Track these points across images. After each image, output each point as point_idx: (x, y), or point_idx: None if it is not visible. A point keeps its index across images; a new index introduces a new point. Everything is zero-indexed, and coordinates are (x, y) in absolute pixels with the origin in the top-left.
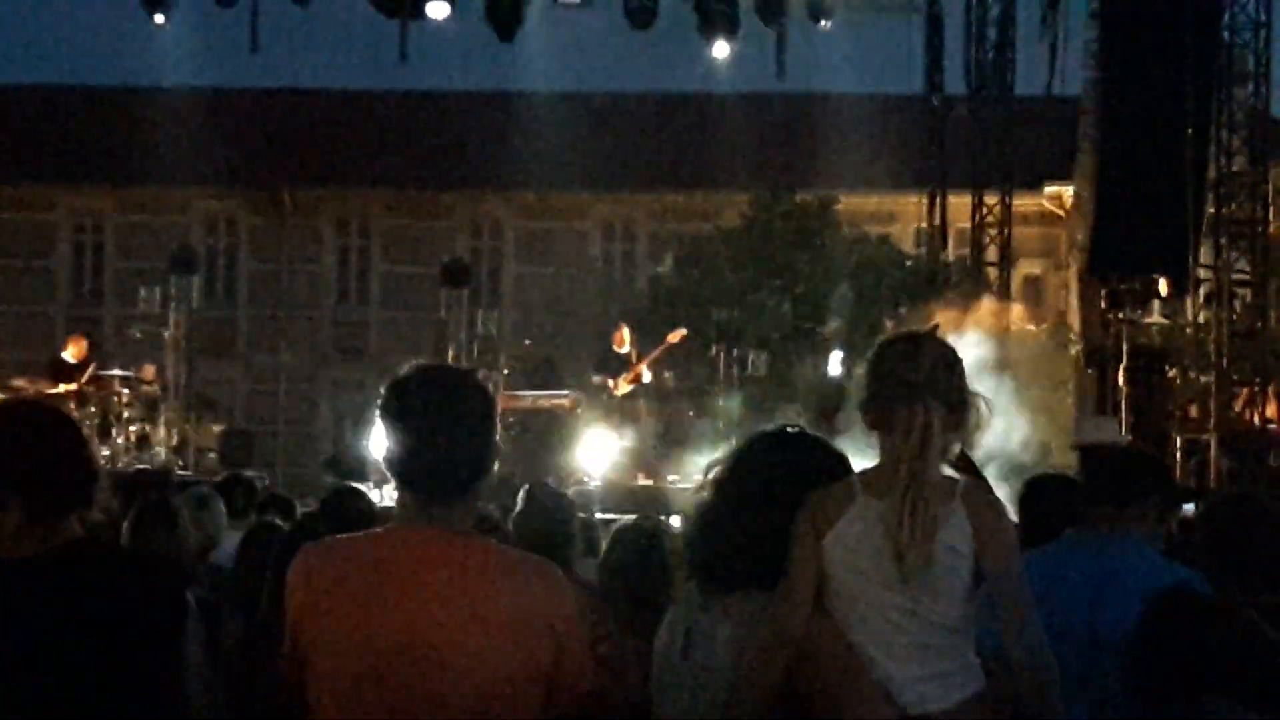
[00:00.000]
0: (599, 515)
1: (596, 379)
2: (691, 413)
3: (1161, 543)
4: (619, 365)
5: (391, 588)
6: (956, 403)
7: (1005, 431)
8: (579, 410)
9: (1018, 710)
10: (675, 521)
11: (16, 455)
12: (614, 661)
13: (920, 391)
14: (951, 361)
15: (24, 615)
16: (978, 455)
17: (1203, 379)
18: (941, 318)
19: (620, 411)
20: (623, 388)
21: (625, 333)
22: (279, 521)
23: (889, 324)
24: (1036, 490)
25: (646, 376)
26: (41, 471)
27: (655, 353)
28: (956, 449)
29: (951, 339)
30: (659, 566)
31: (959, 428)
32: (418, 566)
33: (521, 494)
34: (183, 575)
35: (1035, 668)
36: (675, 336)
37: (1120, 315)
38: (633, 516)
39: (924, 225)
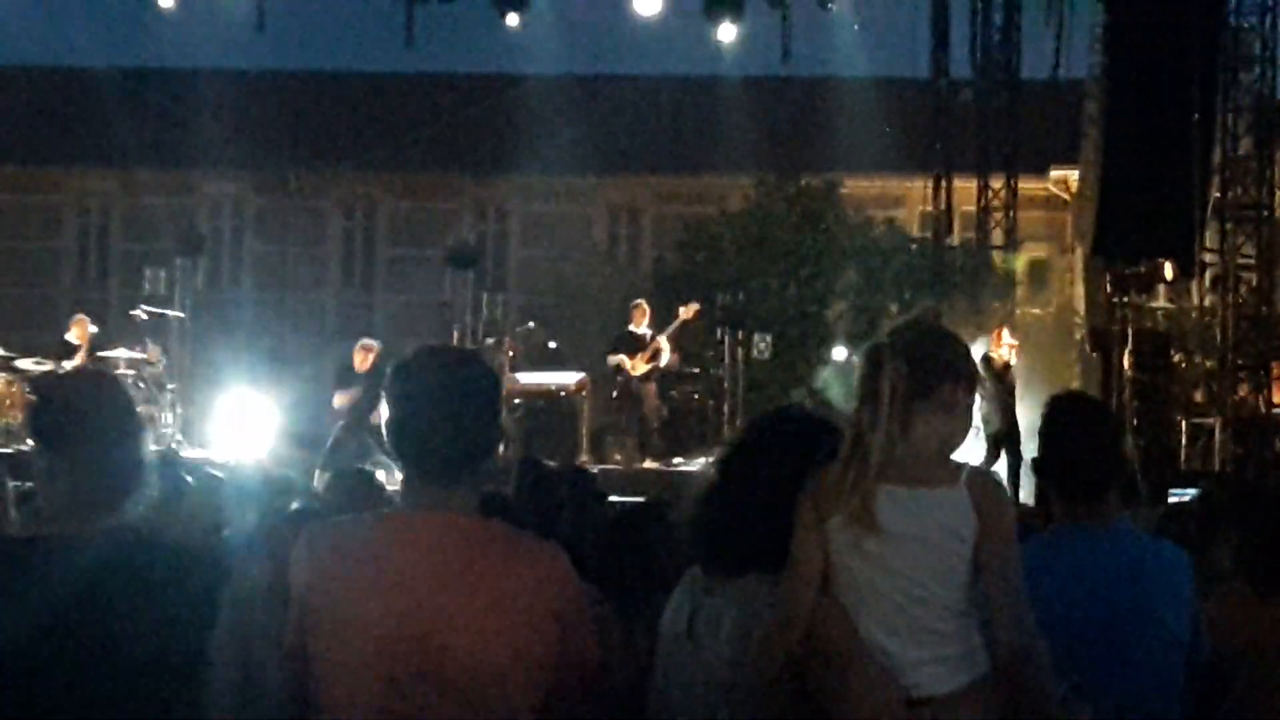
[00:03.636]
0: (607, 498)
1: (613, 360)
2: (696, 396)
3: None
4: (635, 345)
5: (394, 570)
6: (977, 387)
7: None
8: (585, 393)
9: (1015, 694)
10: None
11: (79, 425)
12: (616, 643)
13: (962, 375)
14: (967, 346)
15: (51, 596)
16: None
17: (1208, 363)
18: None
19: (634, 393)
20: (640, 367)
21: (645, 309)
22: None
23: (893, 308)
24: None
25: (665, 356)
26: (104, 447)
27: (670, 329)
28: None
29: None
30: (663, 548)
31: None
32: (420, 548)
33: (516, 471)
34: (220, 570)
35: (1032, 653)
36: (689, 312)
37: (1125, 299)
38: (637, 498)
39: (929, 209)
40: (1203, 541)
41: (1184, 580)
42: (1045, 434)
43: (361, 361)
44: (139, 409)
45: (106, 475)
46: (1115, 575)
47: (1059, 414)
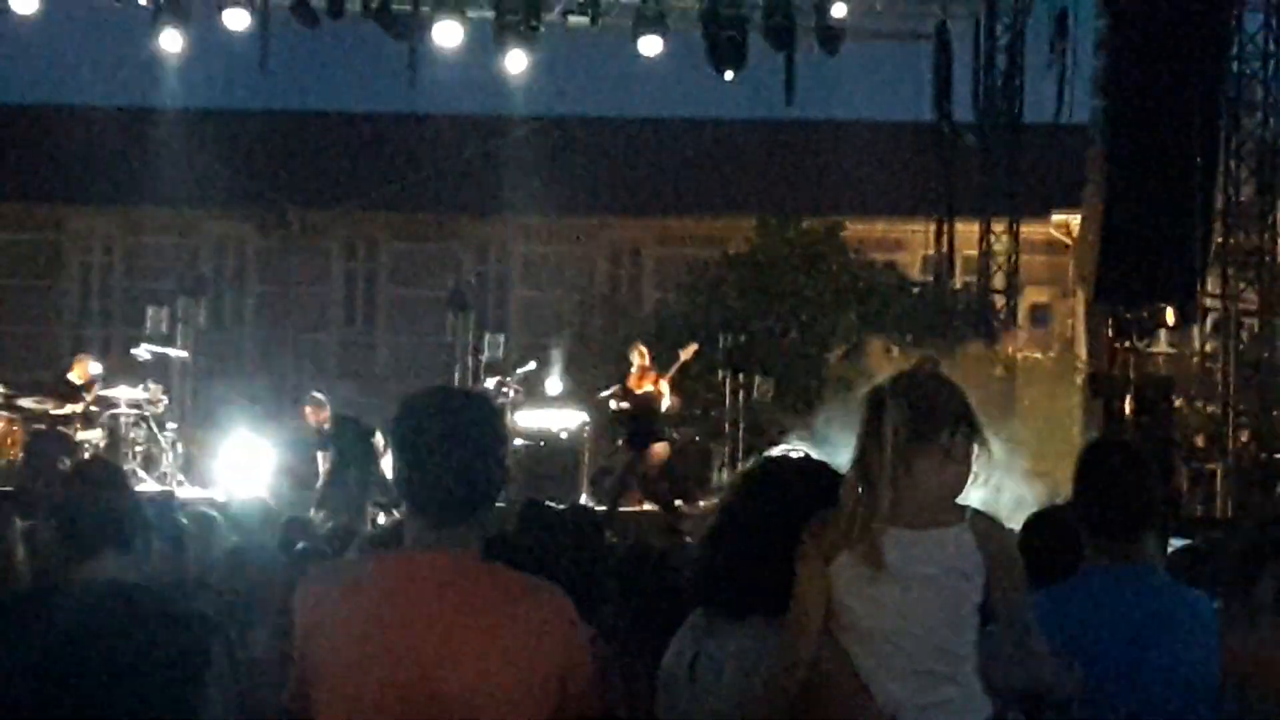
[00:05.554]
0: (608, 539)
1: (615, 405)
2: (697, 438)
3: (1163, 563)
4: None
5: (398, 612)
6: (976, 434)
7: (1011, 462)
8: (586, 434)
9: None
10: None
11: (57, 480)
12: (618, 685)
13: (961, 422)
14: (966, 394)
15: (38, 651)
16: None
17: (1209, 409)
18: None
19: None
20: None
21: (643, 351)
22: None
23: (894, 351)
24: (1041, 525)
25: (666, 399)
26: (78, 500)
27: (671, 371)
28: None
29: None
30: (663, 589)
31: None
32: (424, 591)
33: (519, 512)
34: (208, 625)
35: (1059, 682)
36: (688, 353)
37: (1127, 344)
38: (639, 540)
39: (931, 252)
40: (1246, 576)
41: (1210, 628)
42: (1082, 477)
43: (313, 416)
44: (140, 448)
45: (90, 529)
46: (1145, 618)
47: (1096, 458)
